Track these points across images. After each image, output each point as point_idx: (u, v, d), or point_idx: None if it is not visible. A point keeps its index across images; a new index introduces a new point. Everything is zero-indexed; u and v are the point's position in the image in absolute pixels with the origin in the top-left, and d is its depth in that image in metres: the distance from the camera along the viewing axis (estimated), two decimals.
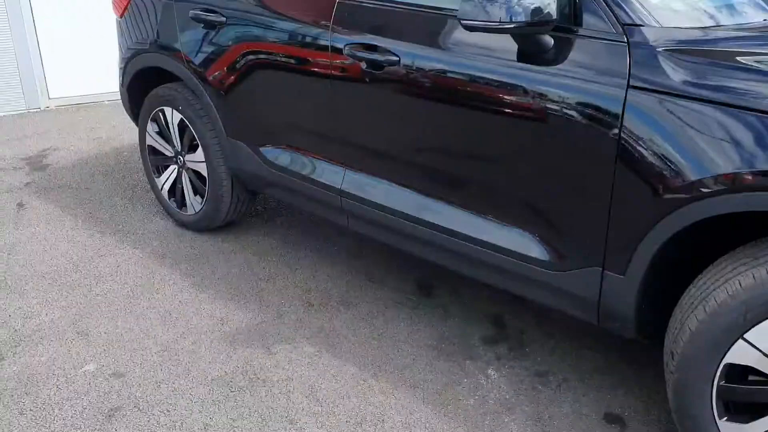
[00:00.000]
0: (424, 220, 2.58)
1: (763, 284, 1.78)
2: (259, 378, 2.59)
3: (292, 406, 2.44)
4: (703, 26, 2.07)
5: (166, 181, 3.78)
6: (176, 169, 3.70)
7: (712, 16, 2.16)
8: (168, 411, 2.43)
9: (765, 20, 2.18)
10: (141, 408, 2.45)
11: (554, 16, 2.05)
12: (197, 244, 3.63)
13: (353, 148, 2.78)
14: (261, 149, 3.18)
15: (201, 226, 3.69)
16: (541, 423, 2.35)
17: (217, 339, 2.83)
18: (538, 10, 2.03)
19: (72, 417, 2.41)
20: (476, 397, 2.47)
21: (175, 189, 3.74)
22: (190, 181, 3.63)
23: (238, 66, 3.10)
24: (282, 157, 3.10)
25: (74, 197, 4.24)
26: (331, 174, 2.90)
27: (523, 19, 2.03)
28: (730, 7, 2.26)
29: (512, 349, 2.74)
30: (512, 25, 2.04)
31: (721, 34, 2.02)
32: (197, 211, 3.64)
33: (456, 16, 2.15)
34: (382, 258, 3.40)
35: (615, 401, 2.45)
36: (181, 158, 3.63)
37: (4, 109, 6.07)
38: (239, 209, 3.62)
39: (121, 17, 3.75)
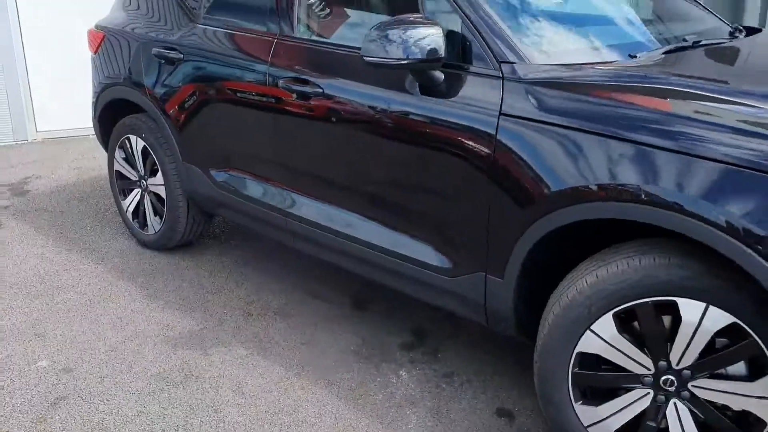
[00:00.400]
0: (349, 235, 2.89)
1: (604, 281, 2.09)
2: (193, 375, 2.87)
3: (219, 398, 2.72)
4: (568, 63, 2.41)
5: (130, 203, 4.09)
6: (139, 192, 4.02)
7: (579, 55, 2.50)
8: (107, 400, 2.70)
9: (631, 57, 2.52)
10: (83, 397, 2.72)
11: (443, 55, 2.39)
12: (155, 261, 3.93)
13: (289, 170, 3.11)
14: (212, 172, 3.51)
15: (160, 245, 4.00)
16: (439, 416, 2.62)
17: (161, 342, 3.11)
18: (429, 50, 2.37)
19: (21, 404, 2.68)
20: (385, 393, 2.75)
21: (138, 211, 4.06)
22: (151, 203, 3.95)
23: (192, 97, 3.45)
24: (230, 179, 3.43)
25: (48, 219, 4.56)
26: (273, 195, 3.22)
27: (417, 57, 2.37)
28: (596, 49, 2.60)
29: (426, 354, 3.02)
30: (406, 62, 2.38)
31: (580, 71, 2.36)
32: (156, 231, 3.95)
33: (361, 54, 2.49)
34: (324, 275, 3.69)
35: (509, 399, 2.72)
36: (144, 182, 3.96)
37: None
38: (195, 230, 3.93)
39: (95, 53, 4.12)
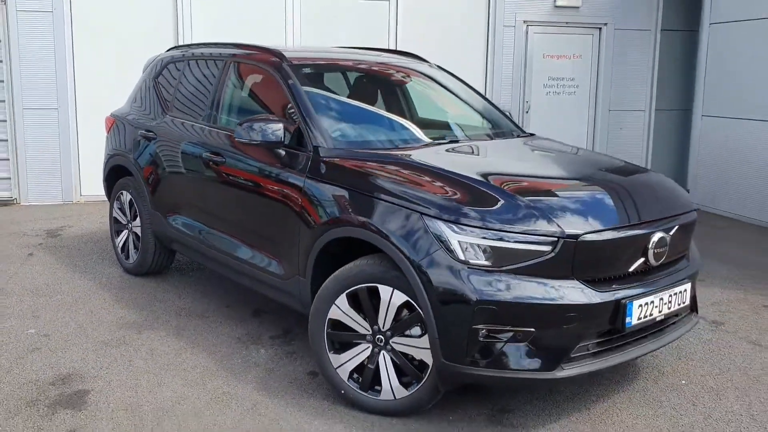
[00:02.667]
0: (233, 255, 4.36)
1: (341, 274, 3.48)
2: (125, 343, 4.30)
3: (135, 356, 4.13)
4: (352, 148, 3.88)
5: (120, 240, 5.68)
6: (127, 232, 5.60)
7: (360, 143, 3.98)
8: (64, 351, 4.16)
9: (396, 146, 3.98)
10: (51, 349, 4.19)
11: (283, 140, 3.90)
12: (131, 281, 5.45)
13: (206, 212, 4.63)
14: (167, 217, 5.06)
15: (137, 271, 5.53)
16: (272, 372, 3.95)
17: (112, 325, 4.58)
18: (276, 136, 3.88)
19: (10, 350, 4.17)
20: (244, 358, 4.12)
21: (125, 246, 5.63)
22: (133, 239, 5.51)
23: (158, 165, 5.06)
24: (176, 221, 4.97)
25: (66, 253, 6.19)
26: (198, 230, 4.73)
27: (269, 140, 3.88)
28: (374, 140, 4.08)
29: (283, 342, 4.38)
30: (257, 143, 3.91)
31: (364, 153, 3.81)
32: (134, 260, 5.50)
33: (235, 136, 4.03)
34: (239, 295, 5.11)
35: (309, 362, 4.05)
36: (130, 224, 5.54)
37: (44, 199, 8.25)
38: (161, 261, 5.45)
39: (108, 133, 5.83)
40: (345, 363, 3.53)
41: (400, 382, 3.41)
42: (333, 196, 3.63)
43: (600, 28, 9.70)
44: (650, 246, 3.33)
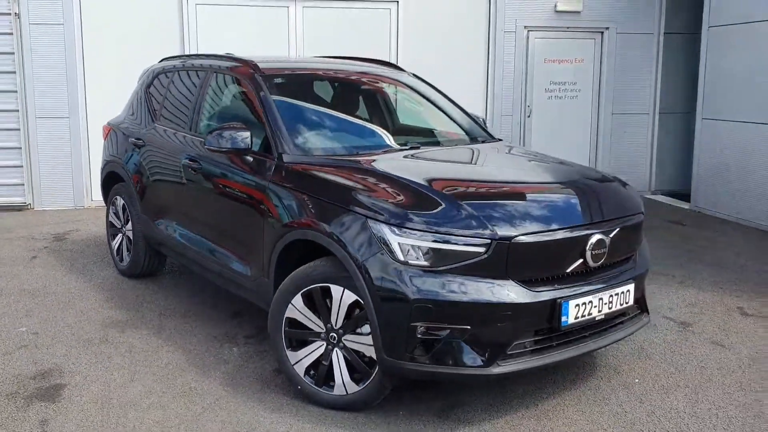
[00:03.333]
0: (207, 256, 4.57)
1: (297, 275, 3.66)
2: (107, 341, 4.54)
3: (114, 352, 4.37)
4: (314, 155, 4.06)
5: (115, 244, 5.93)
6: (121, 236, 5.86)
7: (322, 150, 4.15)
8: (49, 348, 4.41)
9: (355, 153, 4.15)
10: (38, 346, 4.44)
11: (250, 147, 4.10)
12: (123, 282, 5.70)
13: (184, 214, 4.85)
14: (154, 220, 5.30)
15: (130, 273, 5.78)
16: (243, 369, 4.14)
17: (98, 323, 4.82)
18: (244, 143, 4.08)
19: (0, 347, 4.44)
20: (216, 355, 4.32)
21: (120, 249, 5.88)
22: (126, 243, 5.77)
23: (145, 170, 5.30)
24: (161, 223, 5.20)
25: (68, 256, 6.47)
26: (179, 231, 4.95)
27: (239, 147, 4.08)
28: (336, 146, 4.25)
29: (256, 342, 4.57)
30: (225, 150, 4.11)
31: (322, 159, 3.99)
32: (128, 262, 5.75)
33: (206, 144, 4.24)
34: (224, 296, 5.31)
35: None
36: (124, 228, 5.80)
37: (56, 204, 8.58)
38: (152, 263, 5.68)
39: (105, 140, 6.10)
40: (302, 359, 3.70)
41: (352, 378, 3.57)
42: (291, 200, 3.81)
43: (602, 32, 9.76)
44: (588, 248, 3.44)
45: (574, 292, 3.39)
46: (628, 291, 3.62)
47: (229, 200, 4.34)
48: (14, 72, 8.35)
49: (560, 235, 3.40)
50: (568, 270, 3.44)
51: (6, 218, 8.12)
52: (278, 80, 4.55)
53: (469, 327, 3.23)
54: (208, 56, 5.22)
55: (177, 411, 3.65)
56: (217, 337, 4.63)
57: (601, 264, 3.53)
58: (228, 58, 4.94)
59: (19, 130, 8.48)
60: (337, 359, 3.60)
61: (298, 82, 4.84)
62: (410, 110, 5.11)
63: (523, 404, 3.73)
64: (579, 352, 3.52)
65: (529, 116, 9.75)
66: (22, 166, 8.56)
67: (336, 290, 3.52)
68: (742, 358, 4.34)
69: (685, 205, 9.20)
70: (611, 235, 3.55)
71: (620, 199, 3.84)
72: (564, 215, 3.50)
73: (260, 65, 4.61)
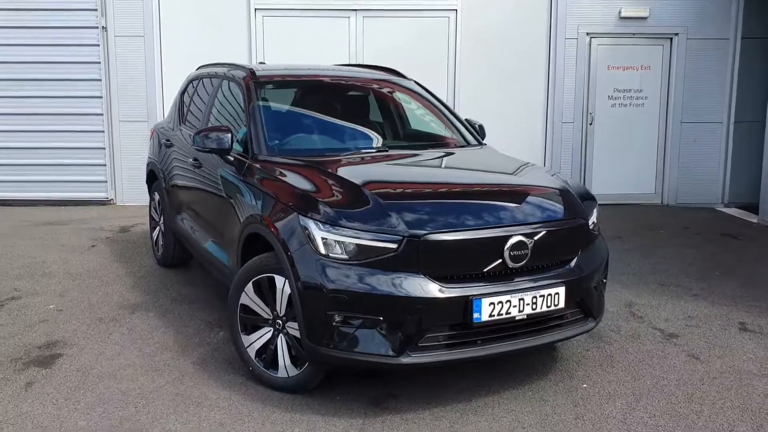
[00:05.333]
0: (203, 247, 4.99)
1: (250, 264, 3.98)
2: (116, 320, 5.05)
3: (119, 330, 4.87)
4: (288, 156, 4.37)
5: (155, 236, 6.51)
6: (158, 228, 6.42)
7: (293, 152, 4.45)
8: (65, 323, 4.97)
9: (327, 154, 4.41)
10: (57, 322, 5.02)
11: (230, 147, 4.47)
12: (156, 270, 6.26)
13: (189, 209, 5.30)
14: (176, 215, 5.80)
15: (164, 262, 6.32)
16: (220, 349, 4.52)
17: (115, 304, 5.36)
18: (226, 143, 4.46)
19: (30, 320, 5.05)
20: (200, 338, 4.72)
21: (157, 240, 6.45)
22: (161, 235, 6.32)
23: (171, 169, 5.82)
24: (180, 218, 5.69)
25: (122, 246, 7.14)
26: (188, 224, 5.41)
27: (214, 147, 4.48)
28: (309, 149, 4.53)
29: None
30: (209, 150, 4.51)
31: (286, 160, 4.30)
32: (161, 253, 6.30)
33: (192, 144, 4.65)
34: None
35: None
36: (159, 221, 6.36)
37: (135, 200, 9.38)
38: (180, 254, 6.19)
39: (150, 141, 6.71)
40: (253, 343, 4.01)
41: (293, 362, 3.83)
42: (252, 196, 4.14)
43: (670, 38, 9.46)
44: (506, 249, 3.53)
45: (489, 291, 3.48)
46: (557, 294, 3.66)
47: (215, 196, 4.73)
48: (100, 80, 9.23)
49: (473, 234, 3.51)
50: (486, 269, 3.54)
51: (88, 211, 9.00)
52: (269, 86, 4.90)
53: (381, 318, 3.42)
54: (223, 65, 5.66)
55: (143, 383, 4.06)
56: (211, 322, 5.03)
57: (523, 265, 3.60)
58: (235, 66, 5.34)
59: (103, 132, 9.35)
60: (281, 344, 3.87)
61: (291, 88, 5.18)
62: (397, 115, 5.31)
63: (458, 399, 3.85)
64: (498, 350, 3.61)
65: (590, 124, 9.60)
66: (105, 165, 9.43)
67: (279, 281, 3.80)
68: (711, 371, 4.22)
69: (754, 219, 8.75)
70: (535, 238, 3.61)
71: (553, 205, 3.87)
72: (482, 216, 3.61)
73: (257, 72, 4.98)
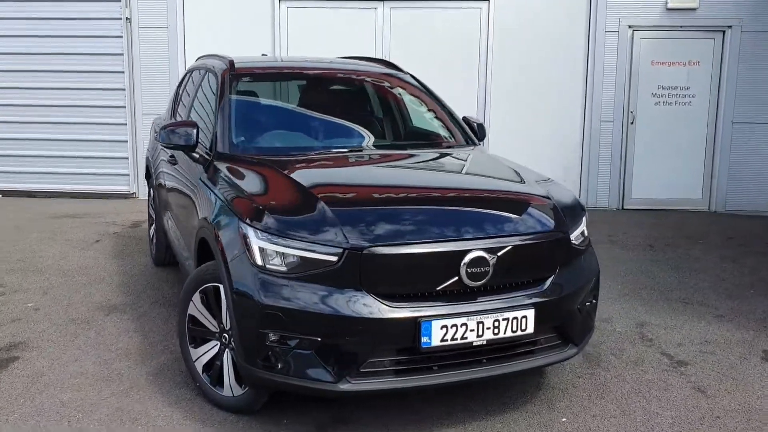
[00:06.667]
0: (179, 246, 4.71)
1: (197, 273, 3.67)
2: (96, 321, 4.84)
3: (103, 330, 4.65)
4: (252, 154, 4.04)
5: (151, 233, 6.31)
6: (154, 226, 6.21)
7: (257, 150, 4.11)
8: (40, 321, 4.79)
9: (294, 153, 4.06)
10: (35, 321, 4.83)
11: (195, 143, 4.18)
12: (150, 269, 6.05)
13: (172, 209, 5.05)
14: (164, 213, 5.56)
15: (157, 261, 6.10)
16: (178, 358, 4.24)
17: (96, 303, 5.15)
18: (191, 139, 4.17)
19: (7, 319, 4.90)
20: (164, 345, 4.45)
21: (153, 238, 6.24)
22: (155, 233, 6.11)
23: (158, 165, 5.58)
24: (167, 216, 5.44)
25: (125, 242, 6.98)
26: (170, 222, 5.16)
27: (179, 143, 4.19)
28: (277, 146, 4.18)
29: None
30: (173, 146, 4.23)
31: (245, 159, 3.97)
32: (155, 251, 6.08)
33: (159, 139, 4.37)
34: None
35: None
36: (153, 218, 6.15)
37: None
38: (171, 253, 5.96)
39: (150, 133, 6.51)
40: (200, 357, 3.70)
41: (237, 381, 3.51)
42: (205, 197, 3.83)
43: (723, 31, 8.73)
44: (463, 265, 3.11)
45: (442, 312, 3.07)
46: (524, 317, 3.21)
47: (184, 196, 4.45)
48: (123, 72, 9.12)
49: (424, 248, 3.10)
50: (440, 288, 3.13)
51: (107, 205, 8.92)
52: (246, 79, 4.58)
53: (319, 338, 3.06)
54: (210, 56, 5.38)
55: (87, 394, 3.81)
56: None
57: (485, 284, 3.17)
58: (217, 57, 5.05)
59: (126, 125, 9.25)
60: (227, 360, 3.56)
61: (272, 81, 4.85)
62: (383, 112, 4.90)
63: (416, 426, 3.45)
64: (455, 379, 3.19)
65: (632, 123, 8.97)
66: (128, 158, 9.33)
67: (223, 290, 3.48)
68: (715, 409, 3.69)
69: None
70: (499, 254, 3.17)
71: (526, 216, 3.41)
72: (438, 227, 3.19)
73: (236, 64, 4.67)
